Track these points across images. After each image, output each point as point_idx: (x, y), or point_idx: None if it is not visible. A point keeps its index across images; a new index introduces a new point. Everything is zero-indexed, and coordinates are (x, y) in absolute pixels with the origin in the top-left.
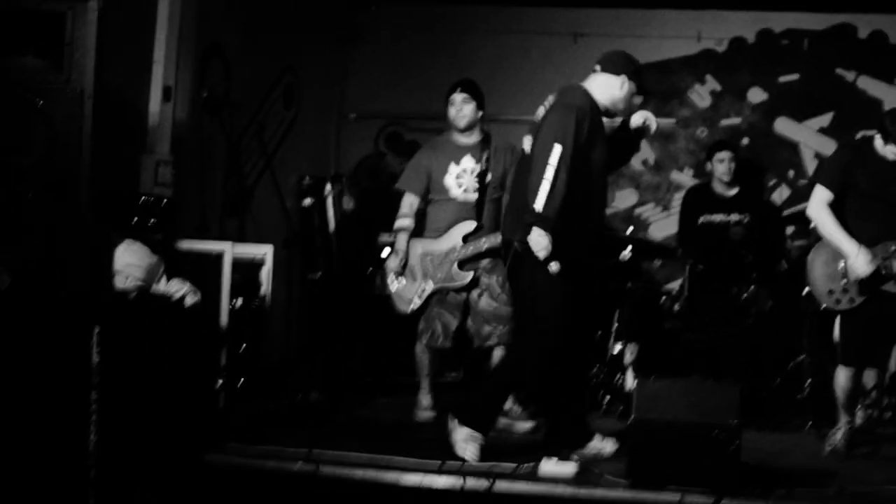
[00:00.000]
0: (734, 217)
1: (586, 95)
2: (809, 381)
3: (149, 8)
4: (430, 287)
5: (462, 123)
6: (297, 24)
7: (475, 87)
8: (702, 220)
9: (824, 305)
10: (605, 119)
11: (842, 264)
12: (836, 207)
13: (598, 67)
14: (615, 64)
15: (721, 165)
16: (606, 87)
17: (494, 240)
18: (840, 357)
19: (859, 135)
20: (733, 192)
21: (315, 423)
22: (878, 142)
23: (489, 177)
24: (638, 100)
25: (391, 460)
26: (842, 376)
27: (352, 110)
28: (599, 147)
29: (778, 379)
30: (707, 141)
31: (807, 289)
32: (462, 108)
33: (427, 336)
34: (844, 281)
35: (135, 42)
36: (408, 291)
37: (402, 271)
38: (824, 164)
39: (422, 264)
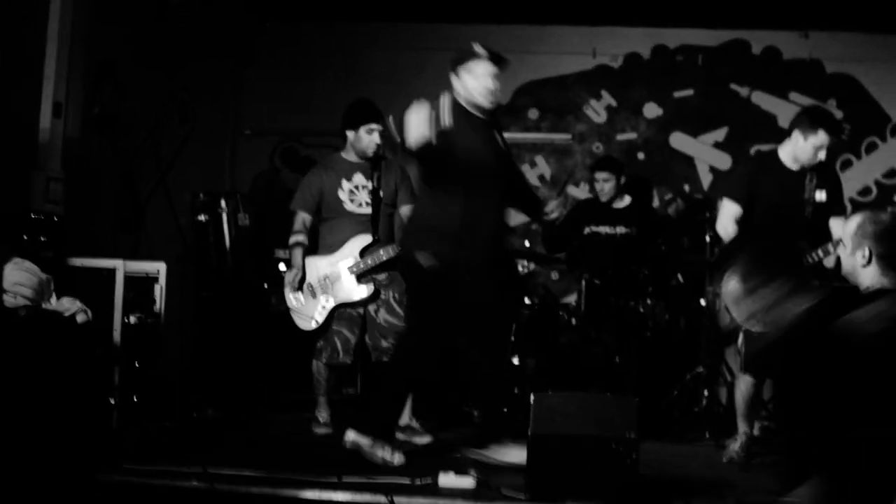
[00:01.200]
0: (620, 230)
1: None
2: (706, 392)
3: (39, 23)
4: (330, 304)
5: (371, 153)
6: (192, 41)
7: (381, 115)
8: (587, 230)
9: (745, 328)
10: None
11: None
12: (746, 222)
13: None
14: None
15: (597, 185)
16: (461, 85)
17: (392, 251)
18: (742, 365)
19: (754, 149)
20: (623, 204)
21: (211, 440)
22: (787, 148)
23: (381, 193)
24: (491, 75)
25: (289, 477)
26: (743, 385)
27: (247, 127)
28: (472, 147)
29: (675, 391)
30: (602, 155)
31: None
32: (377, 138)
33: (326, 353)
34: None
35: (24, 58)
36: (308, 308)
37: (299, 286)
38: (729, 178)
39: (320, 281)
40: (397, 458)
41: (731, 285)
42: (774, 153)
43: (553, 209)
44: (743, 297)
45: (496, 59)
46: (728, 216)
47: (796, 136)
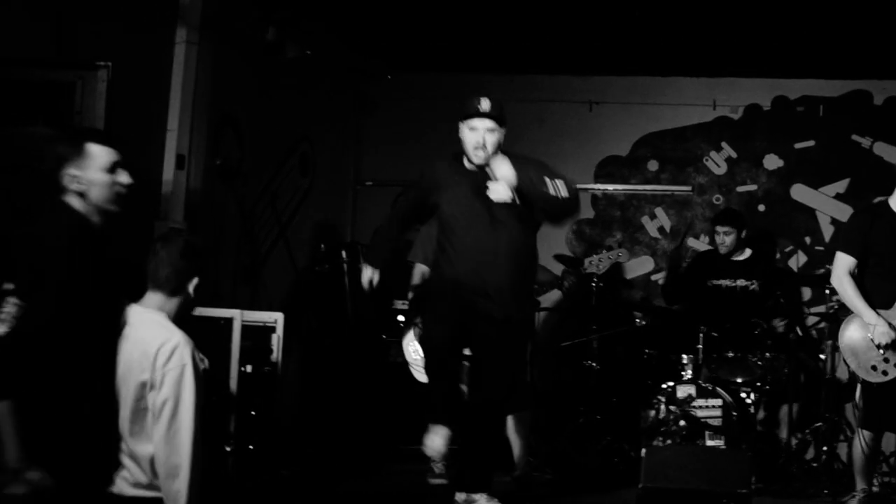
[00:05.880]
0: (741, 283)
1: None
2: (826, 448)
3: (162, 77)
4: None
5: None
6: (312, 93)
7: None
8: (709, 283)
9: (871, 381)
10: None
11: (870, 335)
12: (858, 271)
13: None
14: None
15: (717, 238)
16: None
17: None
18: (860, 420)
19: (875, 201)
20: (743, 257)
21: (327, 490)
22: (894, 199)
23: None
24: (471, 134)
25: None
26: (861, 440)
27: (367, 178)
28: (452, 193)
29: (794, 446)
30: (723, 208)
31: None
32: None
33: None
34: (882, 351)
35: (147, 110)
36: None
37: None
38: (843, 230)
39: None
40: None
41: (849, 336)
42: (886, 203)
43: (592, 265)
44: (862, 347)
45: (492, 114)
46: (842, 268)
47: None
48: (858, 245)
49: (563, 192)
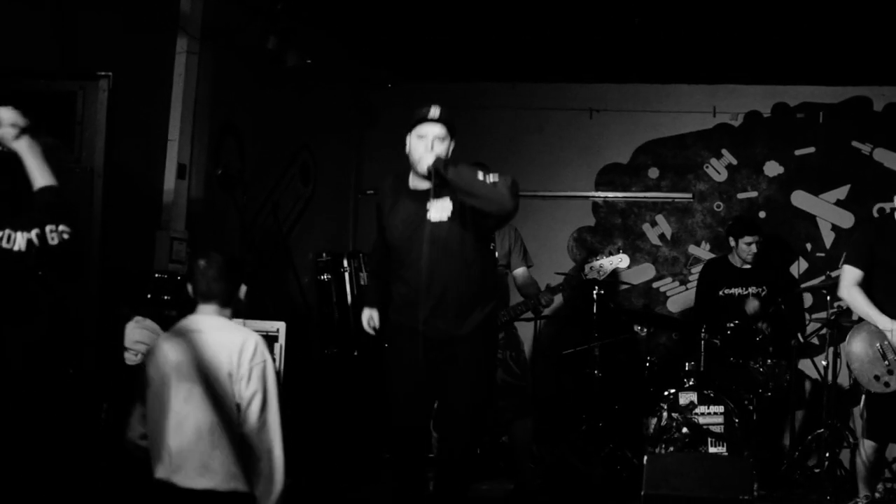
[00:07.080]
0: (752, 290)
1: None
2: (828, 454)
3: (163, 87)
4: None
5: None
6: (313, 102)
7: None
8: (720, 293)
9: (873, 391)
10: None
11: (878, 345)
12: (865, 284)
13: None
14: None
15: (745, 248)
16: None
17: (506, 315)
18: (865, 431)
19: (876, 207)
20: (750, 265)
21: (327, 499)
22: None
23: (496, 254)
24: (419, 142)
25: None
26: (865, 450)
27: (369, 186)
28: (394, 216)
29: (796, 452)
30: (724, 215)
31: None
32: None
33: None
34: (887, 363)
35: (148, 121)
36: None
37: None
38: (849, 243)
39: None
40: None
41: (855, 346)
42: (891, 215)
43: (593, 270)
44: (867, 357)
45: (442, 119)
46: (849, 281)
47: None
48: (865, 258)
49: (493, 179)
